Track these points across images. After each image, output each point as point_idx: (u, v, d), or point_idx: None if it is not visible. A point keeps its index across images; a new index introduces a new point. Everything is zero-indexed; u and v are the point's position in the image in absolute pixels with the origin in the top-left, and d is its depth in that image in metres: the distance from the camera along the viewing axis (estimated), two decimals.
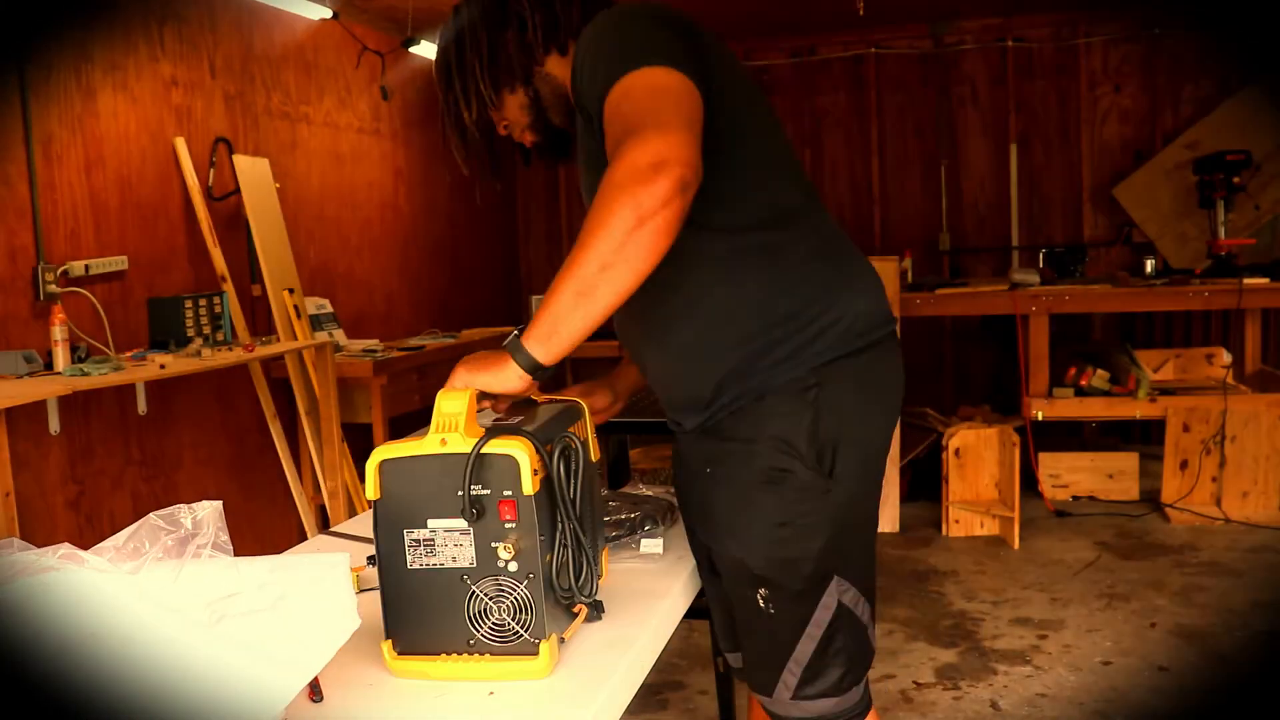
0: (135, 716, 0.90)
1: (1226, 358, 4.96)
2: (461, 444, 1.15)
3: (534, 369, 1.25)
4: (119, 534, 1.05)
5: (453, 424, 1.17)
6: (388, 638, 1.18)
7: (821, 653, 1.44)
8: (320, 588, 1.04)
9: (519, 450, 1.14)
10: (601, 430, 1.74)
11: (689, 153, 1.18)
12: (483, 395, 1.30)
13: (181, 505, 1.08)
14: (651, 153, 1.17)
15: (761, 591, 1.43)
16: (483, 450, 1.14)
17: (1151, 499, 4.68)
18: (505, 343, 1.28)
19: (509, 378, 1.26)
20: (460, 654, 1.16)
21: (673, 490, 1.98)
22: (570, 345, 1.23)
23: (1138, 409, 4.56)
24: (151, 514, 1.07)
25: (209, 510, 1.08)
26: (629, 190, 1.16)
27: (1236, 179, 4.93)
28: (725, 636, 1.69)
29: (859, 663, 1.48)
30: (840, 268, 1.46)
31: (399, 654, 1.17)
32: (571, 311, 1.20)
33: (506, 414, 1.34)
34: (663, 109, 1.22)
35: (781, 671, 1.45)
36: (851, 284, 1.45)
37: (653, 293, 1.28)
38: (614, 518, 1.69)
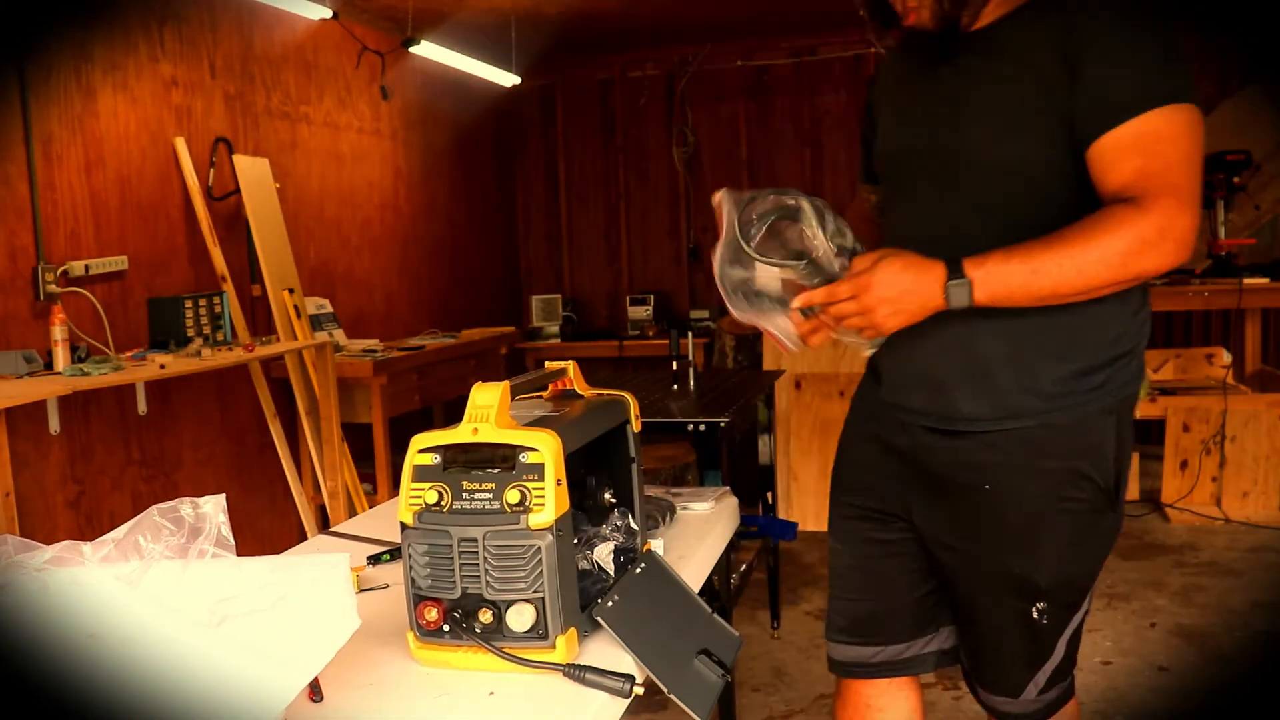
0: (135, 717, 0.90)
1: (1226, 358, 4.96)
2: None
3: (965, 305, 1.33)
4: (120, 528, 1.05)
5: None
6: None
7: (1071, 651, 1.56)
8: (320, 588, 1.04)
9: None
10: None
11: (1193, 240, 1.31)
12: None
13: (184, 499, 1.07)
14: (1183, 230, 1.29)
15: (1039, 605, 1.50)
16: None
17: (1151, 499, 4.68)
18: (948, 279, 1.32)
19: (916, 315, 1.35)
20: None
21: (673, 491, 1.99)
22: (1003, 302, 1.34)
23: (1137, 409, 4.56)
24: (154, 508, 1.06)
25: (211, 504, 1.07)
26: (1147, 254, 1.29)
27: (1236, 179, 4.92)
28: (856, 623, 1.77)
29: (1075, 661, 1.60)
30: (1144, 297, 1.50)
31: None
32: (1044, 291, 1.31)
33: (555, 405, 1.32)
34: (1196, 177, 1.31)
35: (1035, 673, 1.55)
36: (1144, 314, 1.50)
37: None
38: (613, 519, 1.69)
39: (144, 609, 0.97)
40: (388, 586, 1.52)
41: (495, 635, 1.14)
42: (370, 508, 2.50)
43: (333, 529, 1.83)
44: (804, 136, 6.33)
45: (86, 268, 3.39)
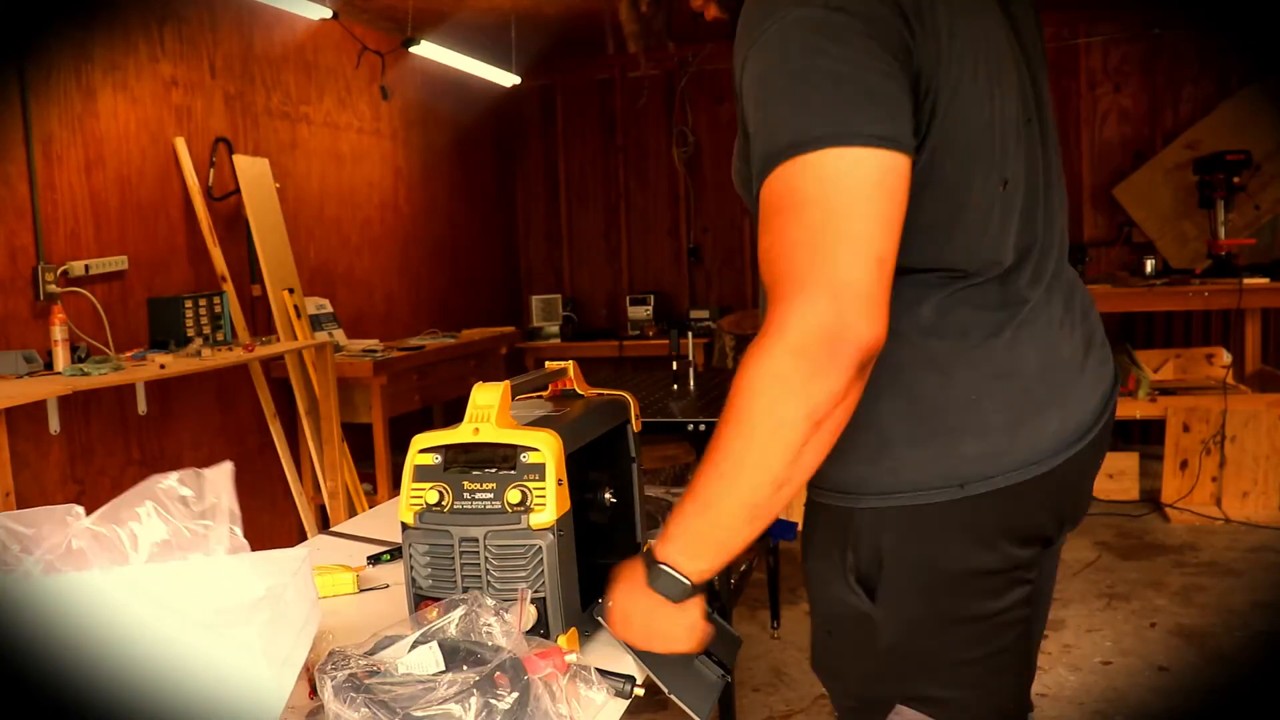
0: (134, 718, 0.90)
1: (1226, 358, 4.96)
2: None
3: (692, 592, 1.07)
4: (120, 499, 1.03)
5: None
6: None
7: None
8: (303, 582, 1.05)
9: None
10: None
11: (871, 314, 0.93)
12: None
13: (190, 470, 1.03)
14: (821, 325, 0.92)
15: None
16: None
17: (1151, 499, 4.68)
18: (650, 581, 1.08)
19: (677, 630, 1.10)
20: None
21: (673, 491, 1.99)
22: (731, 559, 1.07)
23: (1138, 409, 4.56)
24: (157, 478, 1.03)
25: (219, 475, 1.03)
26: (796, 389, 0.93)
27: (1236, 179, 4.93)
28: None
29: None
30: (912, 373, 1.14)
31: None
32: (742, 529, 1.02)
33: (555, 405, 1.31)
34: (840, 242, 0.93)
35: None
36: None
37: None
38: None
39: (143, 609, 0.97)
40: (388, 586, 1.52)
41: None
42: (370, 508, 2.50)
43: (333, 529, 1.83)
44: None
45: (86, 268, 3.39)
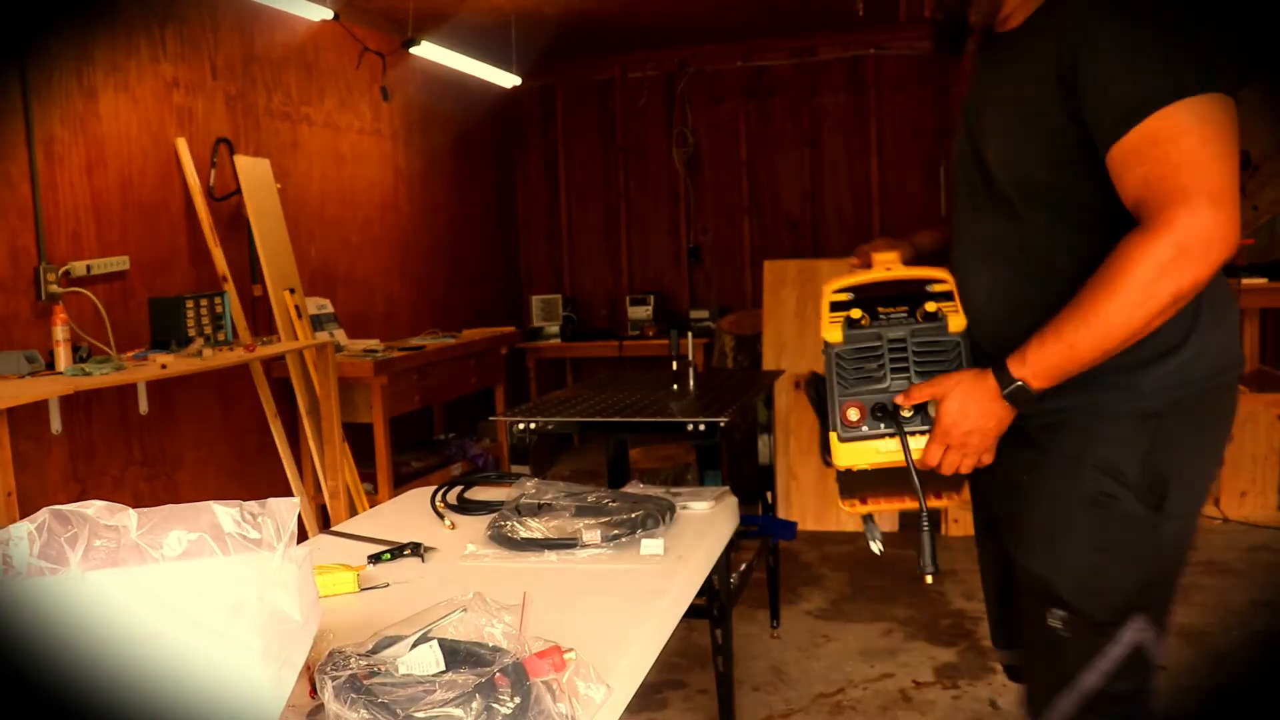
0: (135, 717, 0.91)
1: None
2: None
3: (1033, 403, 1.34)
4: (173, 518, 1.02)
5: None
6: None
7: (1105, 691, 1.39)
8: (304, 582, 1.05)
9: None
10: (601, 430, 1.79)
11: (1235, 232, 1.21)
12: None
13: (253, 503, 1.03)
14: (1203, 233, 1.20)
15: (1060, 614, 1.41)
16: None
17: None
18: (1004, 392, 1.33)
19: (1000, 427, 1.36)
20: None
21: (673, 490, 1.99)
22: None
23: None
24: (215, 505, 1.03)
25: (284, 509, 1.02)
26: (1173, 274, 1.21)
27: None
28: (1000, 629, 1.68)
29: (1138, 702, 1.41)
30: (1208, 300, 1.36)
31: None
32: (1088, 365, 1.29)
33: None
34: (1217, 169, 1.21)
35: (1057, 699, 1.42)
36: (1218, 319, 1.40)
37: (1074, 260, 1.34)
38: (614, 518, 1.70)
39: (146, 609, 0.97)
40: (388, 585, 1.53)
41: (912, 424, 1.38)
42: (371, 507, 2.51)
43: (334, 528, 1.84)
44: (804, 137, 6.34)
45: (88, 268, 3.40)
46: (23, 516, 3.12)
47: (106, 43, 3.54)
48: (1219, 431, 1.44)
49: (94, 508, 1.01)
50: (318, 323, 4.45)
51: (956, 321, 1.39)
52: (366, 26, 5.03)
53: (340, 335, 4.58)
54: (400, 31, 5.01)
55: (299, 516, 1.04)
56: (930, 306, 1.39)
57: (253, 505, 1.02)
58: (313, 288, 4.62)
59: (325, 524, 4.21)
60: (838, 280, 1.42)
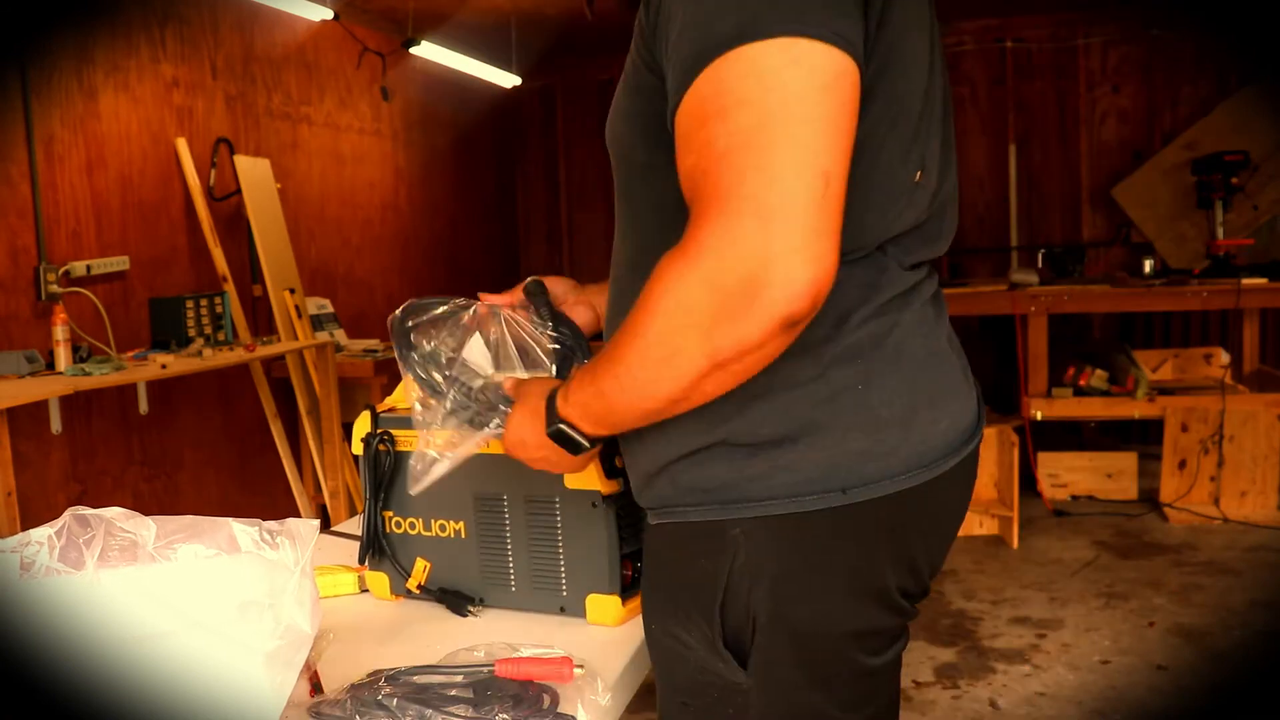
0: (134, 718, 0.91)
1: (1225, 358, 4.97)
2: None
3: (590, 448, 1.01)
4: (193, 529, 1.02)
5: None
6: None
7: None
8: (305, 582, 1.05)
9: None
10: None
11: (809, 248, 0.77)
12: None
13: (272, 522, 1.02)
14: (742, 255, 0.76)
15: None
16: None
17: (1150, 499, 4.69)
18: (549, 432, 1.01)
19: (570, 466, 1.06)
20: None
21: None
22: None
23: (1136, 409, 4.57)
24: (234, 523, 1.01)
25: (304, 530, 1.00)
26: (700, 324, 0.79)
27: (1235, 179, 4.94)
28: None
29: None
30: (856, 372, 0.94)
31: None
32: (639, 423, 0.95)
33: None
34: (776, 150, 0.76)
35: None
36: (865, 404, 0.94)
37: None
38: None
39: (145, 609, 0.98)
40: None
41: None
42: None
43: (333, 528, 1.84)
44: None
45: (88, 268, 3.40)
46: (23, 516, 3.12)
47: (106, 43, 3.54)
48: (838, 567, 0.95)
49: (114, 512, 1.01)
50: (318, 323, 4.45)
51: None
52: (366, 26, 5.03)
53: (340, 335, 4.58)
54: (400, 31, 5.01)
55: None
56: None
57: (272, 524, 1.02)
58: (313, 288, 4.62)
59: (325, 524, 4.20)
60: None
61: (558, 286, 1.26)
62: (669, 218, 0.88)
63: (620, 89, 0.97)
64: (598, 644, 1.23)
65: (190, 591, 0.98)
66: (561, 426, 0.98)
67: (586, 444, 0.99)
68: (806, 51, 0.76)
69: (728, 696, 0.97)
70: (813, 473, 0.91)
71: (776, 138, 0.76)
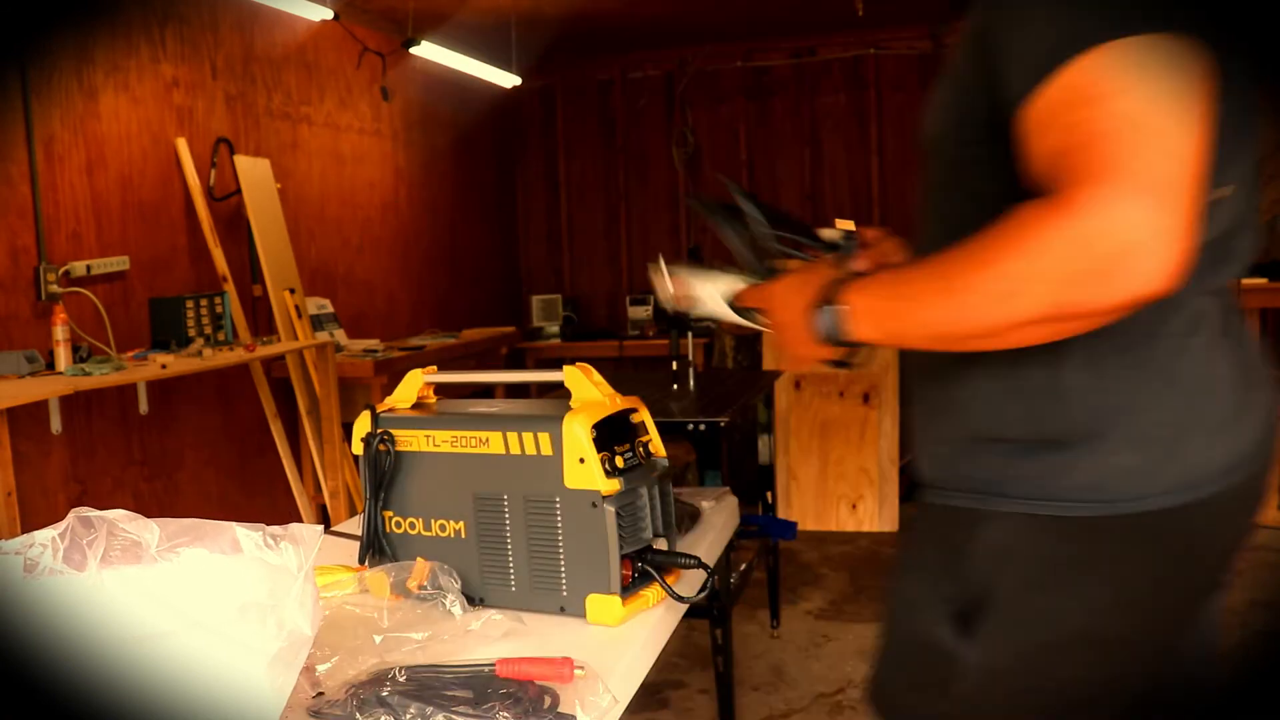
0: (135, 718, 0.91)
1: None
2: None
3: (834, 335, 1.00)
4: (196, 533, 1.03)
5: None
6: None
7: None
8: (305, 582, 1.05)
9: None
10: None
11: (1180, 244, 0.78)
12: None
13: (276, 527, 1.03)
14: (1128, 224, 0.77)
15: None
16: None
17: None
18: (814, 313, 1.01)
19: (808, 353, 1.05)
20: None
21: (681, 493, 1.99)
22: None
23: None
24: (238, 527, 1.02)
25: (308, 535, 1.02)
26: (1054, 279, 0.81)
27: None
28: None
29: None
30: (1160, 377, 0.98)
31: None
32: (924, 342, 0.98)
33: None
34: (1157, 143, 0.78)
35: None
36: (1167, 415, 0.98)
37: None
38: None
39: (146, 608, 0.98)
40: None
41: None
42: None
43: (333, 528, 1.84)
44: (804, 137, 6.33)
45: (88, 268, 3.40)
46: (22, 516, 3.11)
47: (106, 43, 3.53)
48: (1123, 583, 0.99)
49: (118, 514, 1.01)
50: (318, 323, 4.44)
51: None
52: (366, 26, 5.03)
53: (340, 335, 4.58)
54: (400, 31, 5.01)
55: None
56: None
57: (275, 529, 1.02)
58: (313, 287, 4.62)
59: (325, 524, 4.21)
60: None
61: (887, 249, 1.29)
62: (986, 209, 0.89)
63: (941, 86, 1.05)
64: (598, 644, 1.23)
65: (193, 593, 0.98)
66: (836, 309, 0.98)
67: (842, 338, 0.99)
68: (1176, 48, 0.81)
69: (940, 665, 1.03)
70: (1081, 480, 0.96)
71: (1167, 123, 0.79)
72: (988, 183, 0.97)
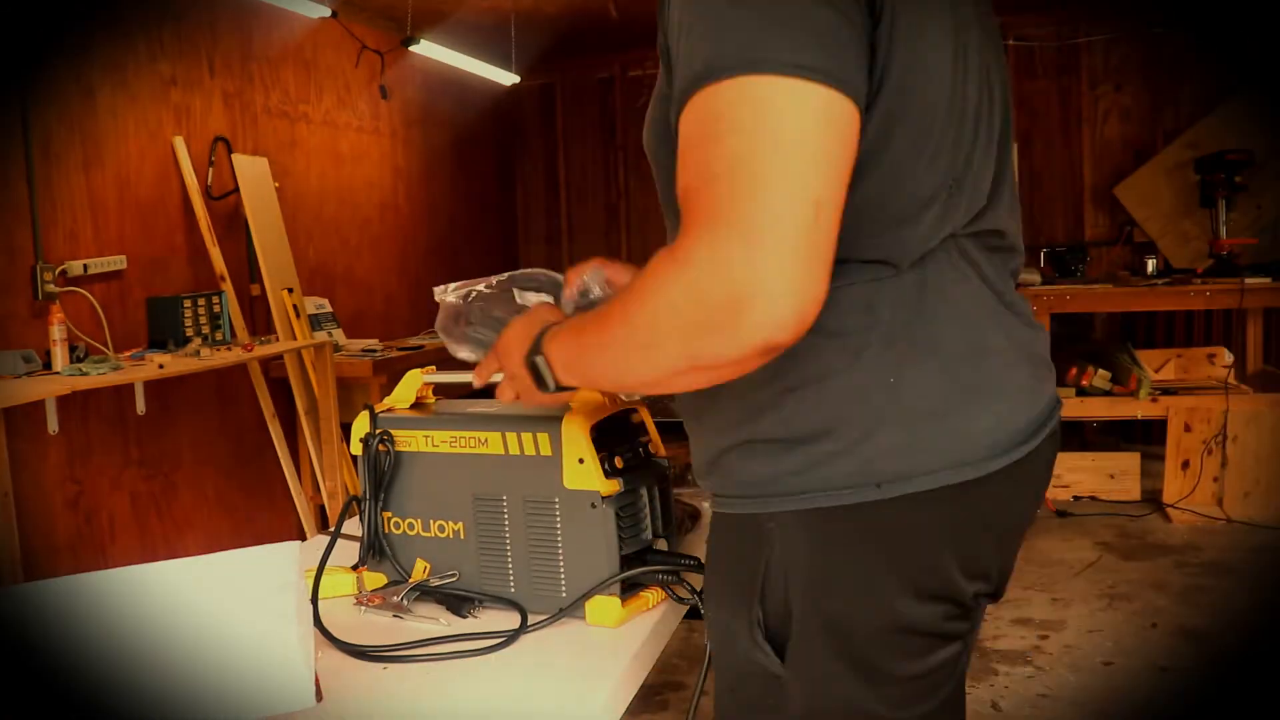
0: (150, 715, 0.93)
1: (1228, 357, 4.95)
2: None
3: (542, 382, 1.04)
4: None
5: None
6: None
7: None
8: (300, 580, 1.05)
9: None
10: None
11: (796, 273, 0.77)
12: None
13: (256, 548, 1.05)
14: (727, 275, 0.77)
15: None
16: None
17: (1153, 499, 4.67)
18: (526, 363, 1.05)
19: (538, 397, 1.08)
20: None
21: (682, 493, 1.98)
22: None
23: (1139, 409, 4.55)
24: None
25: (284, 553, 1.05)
26: (683, 330, 0.80)
27: (1238, 178, 4.92)
28: None
29: None
30: (890, 366, 0.94)
31: None
32: (600, 380, 1.02)
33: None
34: (768, 175, 0.77)
35: None
36: (899, 401, 0.94)
37: None
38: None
39: (156, 609, 0.98)
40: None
41: None
42: None
43: (332, 529, 1.82)
44: None
45: (85, 267, 3.38)
46: (20, 517, 3.10)
47: (104, 40, 3.52)
48: (872, 563, 0.95)
49: None
50: (316, 322, 4.43)
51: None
52: (365, 25, 5.01)
53: (339, 335, 4.56)
54: (399, 29, 4.99)
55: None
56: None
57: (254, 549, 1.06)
58: (311, 287, 4.60)
59: (324, 524, 4.20)
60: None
61: (619, 274, 1.29)
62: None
63: (653, 95, 1.03)
64: (597, 645, 1.22)
65: (231, 576, 1.00)
66: (538, 359, 1.02)
67: (552, 385, 1.02)
68: (802, 89, 0.78)
69: (769, 687, 0.99)
70: (847, 467, 0.93)
71: (769, 163, 0.77)
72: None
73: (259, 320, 4.21)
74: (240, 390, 4.11)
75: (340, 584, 1.43)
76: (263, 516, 4.21)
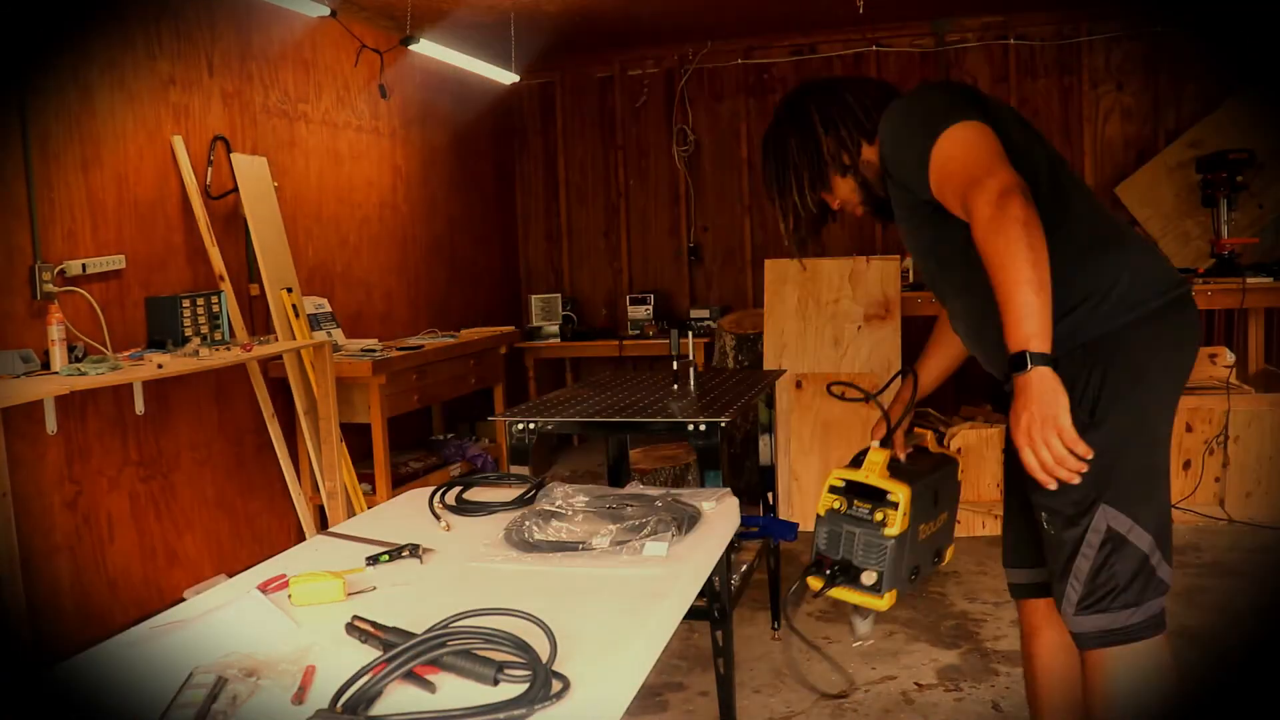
0: None
1: (1229, 357, 4.94)
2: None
3: (1047, 361, 1.56)
4: None
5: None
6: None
7: (1095, 572, 1.72)
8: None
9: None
10: (601, 430, 1.84)
11: (1012, 176, 1.62)
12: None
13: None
14: (995, 192, 1.59)
15: (1043, 515, 1.77)
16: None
17: None
18: (1018, 374, 1.58)
19: (1050, 396, 1.57)
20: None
21: (673, 491, 1.97)
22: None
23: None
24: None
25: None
26: (1002, 222, 1.57)
27: (1239, 178, 4.91)
28: (1008, 552, 2.07)
29: (1134, 587, 1.72)
30: (1110, 251, 1.78)
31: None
32: (1042, 303, 1.56)
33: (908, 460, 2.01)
34: (979, 156, 1.67)
35: (1064, 585, 1.75)
36: (1108, 272, 1.76)
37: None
38: (629, 522, 1.69)
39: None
40: (374, 589, 1.50)
41: (853, 583, 1.87)
42: (369, 507, 2.48)
43: (331, 529, 1.81)
44: None
45: (84, 267, 3.37)
46: (18, 517, 3.10)
47: (102, 39, 3.51)
48: (1153, 353, 1.73)
49: None
50: (315, 322, 4.42)
51: (892, 530, 1.84)
52: (364, 24, 5.00)
53: (338, 335, 4.55)
54: (398, 29, 4.99)
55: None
56: (878, 515, 1.85)
57: None
58: (310, 287, 4.59)
59: (323, 525, 4.19)
60: (839, 471, 1.94)
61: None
62: (956, 229, 1.74)
63: (908, 214, 1.92)
64: (597, 646, 1.21)
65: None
66: (1024, 352, 1.56)
67: (1048, 353, 1.58)
68: (967, 127, 1.73)
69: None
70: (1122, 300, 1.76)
71: (972, 149, 1.70)
72: (946, 222, 1.80)
73: (258, 320, 4.20)
74: (239, 390, 4.10)
75: (323, 592, 1.41)
76: (262, 517, 4.20)
